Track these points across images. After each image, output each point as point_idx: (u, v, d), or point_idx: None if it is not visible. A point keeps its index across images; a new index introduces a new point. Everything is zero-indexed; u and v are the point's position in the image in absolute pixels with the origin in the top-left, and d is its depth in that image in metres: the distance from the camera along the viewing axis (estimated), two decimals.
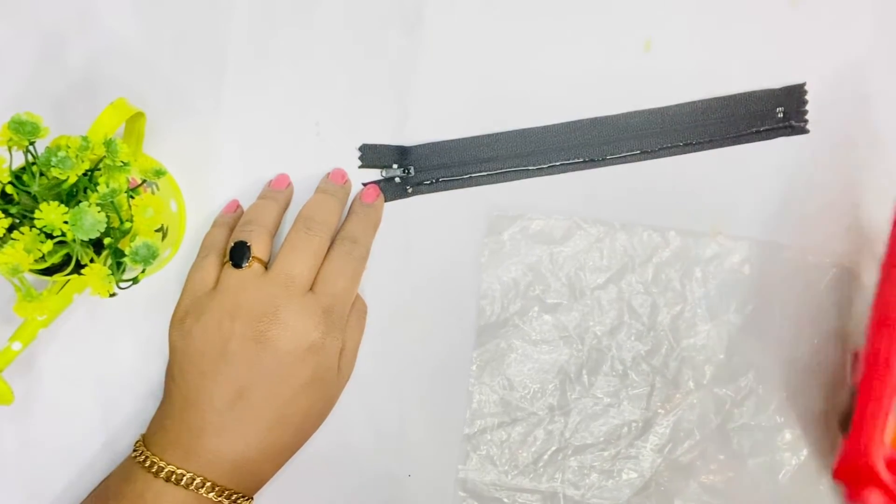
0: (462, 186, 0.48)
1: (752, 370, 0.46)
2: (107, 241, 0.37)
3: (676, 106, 0.47)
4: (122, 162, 0.38)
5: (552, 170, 0.47)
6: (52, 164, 0.35)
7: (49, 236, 0.36)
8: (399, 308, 0.47)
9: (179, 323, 0.42)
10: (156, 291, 0.46)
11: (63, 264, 0.37)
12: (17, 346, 0.41)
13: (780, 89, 0.47)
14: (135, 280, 0.39)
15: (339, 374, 0.44)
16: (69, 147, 0.37)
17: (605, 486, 0.46)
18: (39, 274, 0.38)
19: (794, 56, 0.47)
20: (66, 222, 0.35)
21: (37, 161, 0.36)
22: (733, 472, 0.46)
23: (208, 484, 0.39)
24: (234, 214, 0.46)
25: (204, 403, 0.40)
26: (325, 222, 0.44)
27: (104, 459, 0.47)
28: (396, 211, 0.48)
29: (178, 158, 0.47)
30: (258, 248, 0.42)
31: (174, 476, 0.39)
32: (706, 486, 0.46)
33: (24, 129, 0.36)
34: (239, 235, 0.43)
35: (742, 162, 0.47)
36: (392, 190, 0.48)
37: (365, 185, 0.47)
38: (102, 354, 0.47)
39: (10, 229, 0.36)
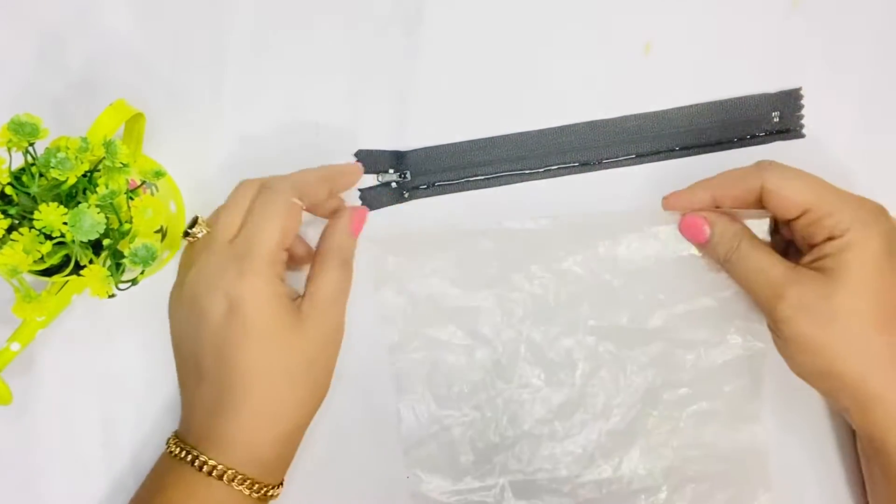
0: (458, 191, 0.48)
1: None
2: (106, 242, 0.37)
3: (672, 110, 0.47)
4: (121, 163, 0.38)
5: (548, 173, 0.48)
6: (52, 165, 0.36)
7: (48, 237, 0.36)
8: None
9: None
10: (155, 292, 0.46)
11: (62, 265, 0.38)
12: (15, 346, 0.42)
13: (776, 94, 0.47)
14: (134, 281, 0.39)
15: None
16: (68, 148, 0.37)
17: (550, 466, 0.46)
18: (38, 275, 0.38)
19: (790, 60, 0.47)
20: (65, 223, 0.35)
21: (36, 162, 0.37)
22: (672, 424, 0.45)
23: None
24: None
25: None
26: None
27: (104, 459, 0.47)
28: (393, 215, 0.48)
29: (177, 159, 0.47)
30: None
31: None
32: (650, 447, 0.45)
33: (23, 130, 0.36)
34: None
35: (741, 165, 0.47)
36: (388, 195, 0.48)
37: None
38: (102, 354, 0.47)
39: (10, 230, 0.36)
